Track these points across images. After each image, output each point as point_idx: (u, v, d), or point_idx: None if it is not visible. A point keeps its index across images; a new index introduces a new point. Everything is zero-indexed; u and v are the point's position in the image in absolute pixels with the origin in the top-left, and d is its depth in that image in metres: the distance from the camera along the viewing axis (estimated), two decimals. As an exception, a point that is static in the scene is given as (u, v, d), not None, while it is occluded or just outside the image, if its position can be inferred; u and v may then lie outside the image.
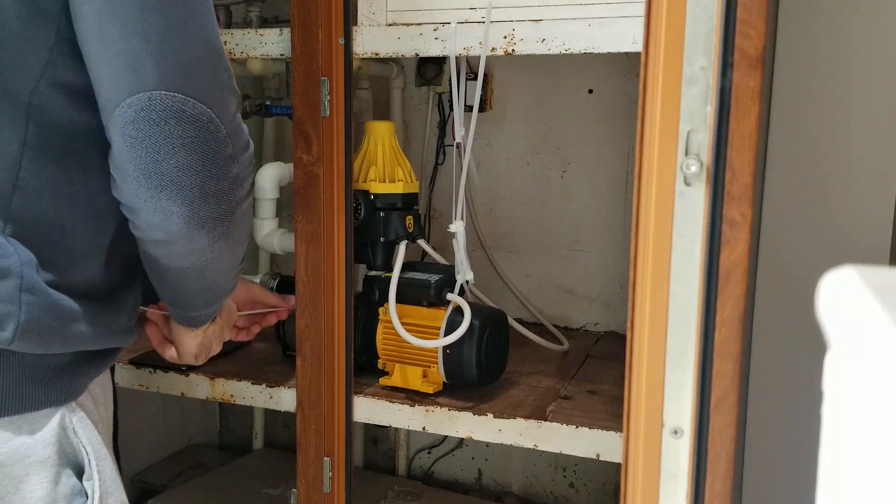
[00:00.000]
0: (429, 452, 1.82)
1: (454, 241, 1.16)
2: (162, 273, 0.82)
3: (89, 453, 0.78)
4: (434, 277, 1.19)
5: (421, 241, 1.27)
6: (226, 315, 0.99)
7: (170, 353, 0.98)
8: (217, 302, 0.91)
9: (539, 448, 1.11)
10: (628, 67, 1.52)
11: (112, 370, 0.93)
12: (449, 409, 1.14)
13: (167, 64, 0.68)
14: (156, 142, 0.69)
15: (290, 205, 1.25)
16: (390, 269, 1.20)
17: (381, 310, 1.21)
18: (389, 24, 1.11)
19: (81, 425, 0.79)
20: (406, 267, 1.22)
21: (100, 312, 0.80)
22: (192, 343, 0.95)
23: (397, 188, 1.23)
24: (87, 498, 0.78)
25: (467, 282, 1.18)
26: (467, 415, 1.13)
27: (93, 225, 0.77)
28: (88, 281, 0.79)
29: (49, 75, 0.71)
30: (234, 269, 0.86)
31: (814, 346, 0.45)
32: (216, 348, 1.00)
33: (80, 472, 0.79)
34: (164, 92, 0.68)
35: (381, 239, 1.23)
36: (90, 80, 0.71)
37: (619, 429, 1.01)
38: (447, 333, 1.13)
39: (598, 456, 1.08)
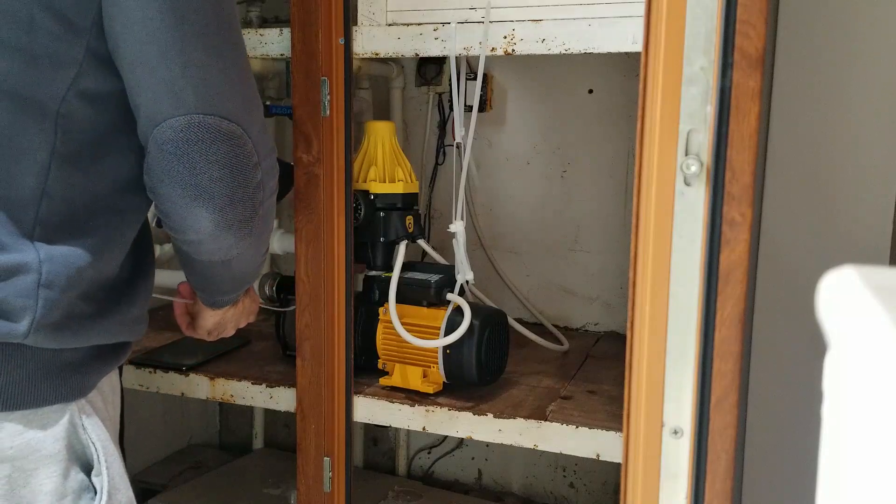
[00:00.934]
0: (429, 452, 1.82)
1: (454, 241, 1.16)
2: (192, 264, 0.89)
3: (98, 450, 0.80)
4: (434, 277, 1.19)
5: (421, 241, 1.27)
6: (248, 302, 1.07)
7: (187, 325, 1.07)
8: (241, 289, 0.99)
9: (539, 448, 1.11)
10: (628, 67, 1.52)
11: (120, 370, 0.94)
12: (449, 409, 1.14)
13: (205, 90, 0.75)
14: (192, 158, 0.75)
15: (290, 205, 1.25)
16: (390, 269, 1.20)
17: (381, 310, 1.21)
18: (389, 24, 1.11)
19: (91, 422, 0.80)
20: (406, 267, 1.22)
21: (113, 306, 0.83)
22: (210, 321, 1.04)
23: (397, 188, 1.23)
24: (96, 493, 0.79)
25: (467, 282, 1.18)
26: (467, 415, 1.13)
27: (114, 224, 0.81)
28: (106, 276, 0.82)
29: (76, 86, 0.75)
30: (259, 261, 0.93)
31: (814, 346, 0.45)
32: (230, 331, 1.08)
33: (88, 468, 0.80)
34: (201, 115, 0.75)
35: (381, 239, 1.23)
36: (113, 87, 0.77)
37: (619, 429, 1.01)
38: (447, 333, 1.13)
39: (598, 456, 1.08)
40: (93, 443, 0.80)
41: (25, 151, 0.74)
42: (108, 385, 0.86)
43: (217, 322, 1.05)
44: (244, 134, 0.78)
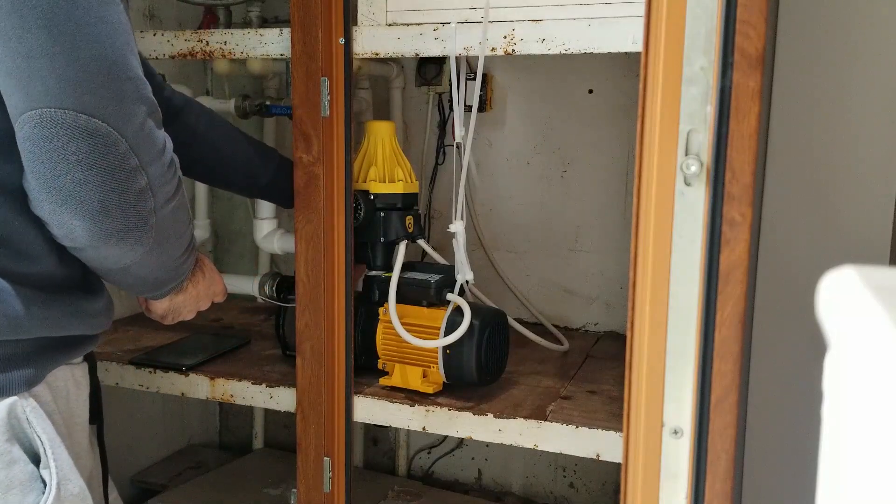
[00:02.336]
0: (429, 452, 1.82)
1: (454, 241, 1.16)
2: (92, 269, 0.84)
3: (44, 442, 0.79)
4: (434, 277, 1.19)
5: (421, 241, 1.27)
6: (202, 286, 1.01)
7: (144, 308, 1.02)
8: (158, 289, 0.92)
9: (539, 448, 1.11)
10: (628, 67, 1.52)
11: (93, 365, 0.94)
12: (449, 409, 1.14)
13: (54, 81, 0.68)
14: (51, 158, 0.69)
15: (290, 205, 1.25)
16: (390, 269, 1.20)
17: (381, 310, 1.21)
18: (389, 24, 1.11)
19: (35, 415, 0.80)
20: (406, 267, 1.22)
21: (60, 299, 0.81)
22: (159, 307, 0.99)
23: (397, 188, 1.23)
24: (45, 485, 0.79)
25: (467, 282, 1.18)
26: (467, 415, 1.13)
27: (39, 223, 0.77)
28: (47, 272, 0.80)
29: None
30: (171, 264, 0.87)
31: (814, 346, 0.45)
32: (187, 315, 1.03)
33: (37, 461, 0.80)
34: (53, 109, 0.68)
35: (381, 239, 1.23)
36: None
37: (619, 429, 1.01)
38: (447, 333, 1.13)
39: (598, 456, 1.08)
40: (38, 436, 0.79)
41: None
42: (63, 380, 0.85)
43: (166, 308, 0.99)
44: (112, 132, 0.70)
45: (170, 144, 0.80)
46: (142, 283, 0.89)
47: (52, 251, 0.80)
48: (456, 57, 1.08)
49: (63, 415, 0.85)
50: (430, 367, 1.18)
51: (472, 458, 1.80)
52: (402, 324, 1.14)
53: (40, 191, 0.71)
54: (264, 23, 1.60)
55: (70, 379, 0.87)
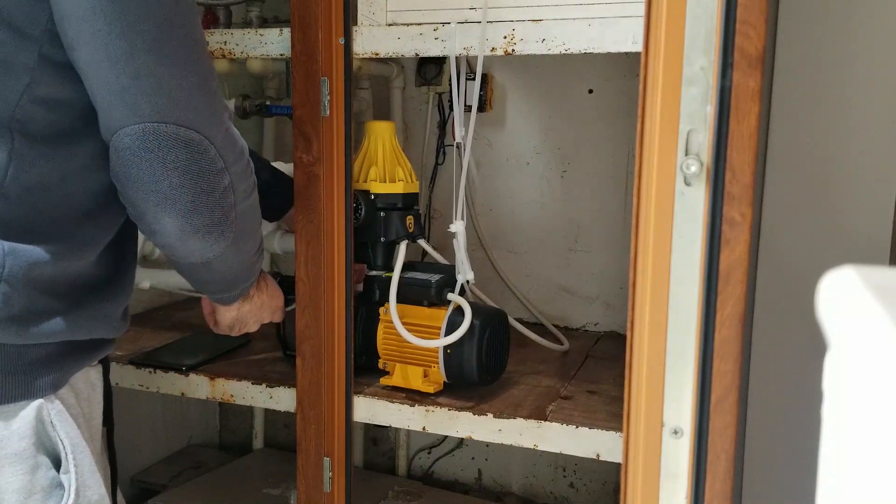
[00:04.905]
0: (429, 452, 1.82)
1: (454, 241, 1.16)
2: (175, 265, 0.91)
3: (66, 446, 0.79)
4: (434, 277, 1.19)
5: (421, 241, 1.27)
6: (266, 298, 1.11)
7: (212, 322, 1.12)
8: (233, 289, 1.00)
9: (539, 448, 1.11)
10: (628, 67, 1.52)
11: (107, 367, 0.94)
12: (449, 409, 1.14)
13: (158, 99, 0.75)
14: (151, 166, 0.76)
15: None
16: (391, 269, 1.20)
17: (381, 309, 1.21)
18: (389, 24, 1.11)
19: (60, 418, 0.80)
20: (406, 267, 1.22)
21: (87, 302, 0.83)
22: (227, 316, 1.09)
23: (397, 188, 1.23)
24: (65, 490, 0.79)
25: (468, 282, 1.18)
26: (467, 415, 1.13)
27: (80, 222, 0.81)
28: (76, 273, 0.82)
29: (30, 93, 0.75)
30: (246, 261, 0.94)
31: (814, 346, 0.45)
32: (252, 327, 1.13)
33: (59, 465, 0.80)
34: (156, 123, 0.75)
35: (382, 239, 1.23)
36: (72, 93, 0.77)
37: (619, 429, 1.01)
38: (448, 333, 1.13)
39: (598, 456, 1.08)
40: (61, 440, 0.79)
41: None
42: (84, 381, 0.86)
43: (234, 318, 1.09)
44: (205, 140, 0.77)
45: (245, 145, 0.86)
46: (220, 280, 0.95)
47: (92, 247, 0.83)
48: (456, 57, 1.08)
49: (85, 417, 0.85)
50: (430, 366, 1.18)
51: (472, 458, 1.80)
52: (403, 323, 1.14)
53: (136, 192, 0.77)
54: (264, 23, 1.59)
55: (87, 381, 0.87)
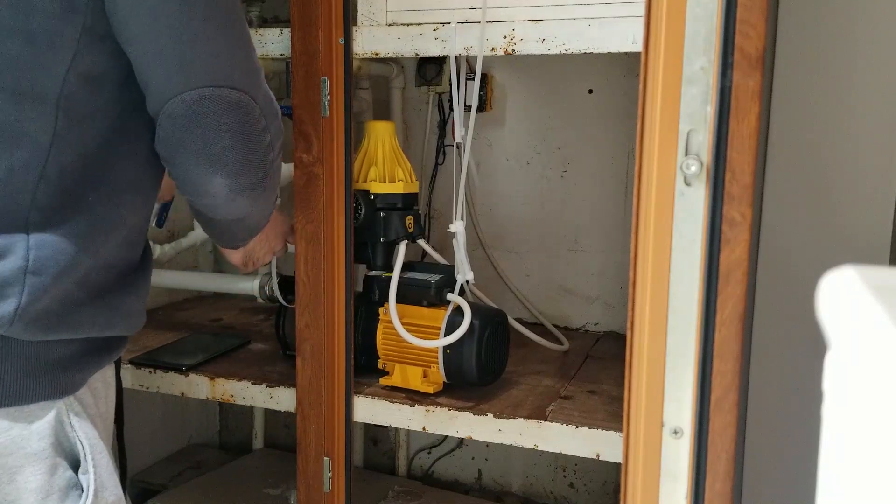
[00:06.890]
0: (429, 452, 1.82)
1: (454, 241, 1.16)
2: (209, 221, 0.95)
3: (85, 447, 0.79)
4: (434, 277, 1.19)
5: (421, 241, 1.27)
6: (270, 226, 1.13)
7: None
8: (255, 234, 1.04)
9: (539, 448, 1.11)
10: (628, 67, 1.52)
11: (118, 367, 0.94)
12: (449, 409, 1.14)
13: (214, 63, 0.78)
14: (205, 130, 0.78)
15: (290, 205, 1.25)
16: (390, 269, 1.20)
17: (381, 310, 1.21)
18: (389, 24, 1.11)
19: (79, 419, 0.80)
20: (406, 267, 1.22)
21: (110, 294, 0.83)
22: (236, 256, 1.13)
23: (397, 188, 1.23)
24: (83, 491, 0.79)
25: (467, 282, 1.18)
26: (467, 415, 1.13)
27: (113, 203, 0.82)
28: (104, 261, 0.82)
29: (75, 67, 0.76)
30: (269, 212, 0.98)
31: (814, 346, 0.45)
32: (265, 257, 1.18)
33: (76, 466, 0.80)
34: (212, 88, 0.77)
35: (382, 239, 1.23)
36: (109, 66, 0.78)
37: (619, 429, 1.01)
38: (447, 333, 1.13)
39: (598, 456, 1.08)
40: (80, 440, 0.79)
41: (26, 135, 0.75)
42: (101, 382, 0.86)
43: (243, 255, 1.14)
44: (251, 101, 0.80)
45: (278, 104, 0.90)
46: (244, 230, 0.99)
47: (117, 227, 0.83)
48: (456, 57, 1.08)
49: (102, 417, 0.85)
50: (430, 366, 1.18)
51: (472, 458, 1.79)
52: (403, 324, 1.14)
53: (189, 156, 0.79)
54: (264, 23, 1.60)
55: (104, 380, 0.87)
